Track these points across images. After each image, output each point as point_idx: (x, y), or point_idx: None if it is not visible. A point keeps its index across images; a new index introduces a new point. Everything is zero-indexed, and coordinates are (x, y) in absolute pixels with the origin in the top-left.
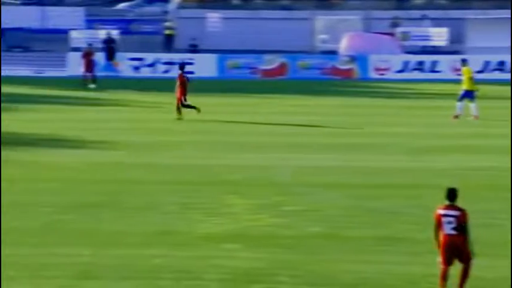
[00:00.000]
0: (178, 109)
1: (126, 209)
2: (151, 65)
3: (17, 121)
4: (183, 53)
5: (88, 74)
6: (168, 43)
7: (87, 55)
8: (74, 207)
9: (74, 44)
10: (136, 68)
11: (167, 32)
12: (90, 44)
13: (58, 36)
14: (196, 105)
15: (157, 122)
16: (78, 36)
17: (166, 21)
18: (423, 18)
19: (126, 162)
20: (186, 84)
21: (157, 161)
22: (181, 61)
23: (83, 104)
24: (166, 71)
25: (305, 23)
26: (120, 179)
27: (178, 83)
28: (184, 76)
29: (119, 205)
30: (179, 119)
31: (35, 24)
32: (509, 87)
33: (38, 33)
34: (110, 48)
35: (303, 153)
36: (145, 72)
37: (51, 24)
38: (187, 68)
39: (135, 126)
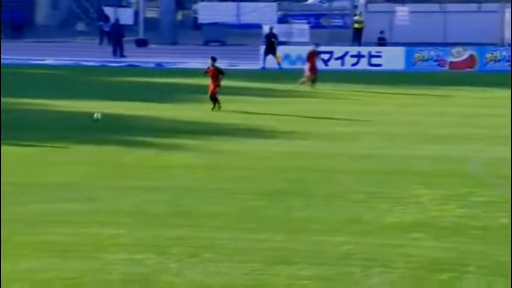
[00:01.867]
0: (214, 100)
1: (314, 197)
2: (340, 58)
3: (211, 111)
4: (371, 46)
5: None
6: (357, 36)
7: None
8: (266, 194)
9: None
10: (326, 61)
11: (356, 25)
12: (316, 44)
13: (252, 30)
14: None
15: (345, 113)
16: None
17: (355, 15)
18: None
19: (315, 152)
20: (218, 76)
21: (345, 151)
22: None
23: (276, 96)
24: (354, 64)
25: (494, 16)
26: (310, 167)
27: (210, 75)
28: (216, 68)
29: (308, 193)
30: (215, 110)
31: (231, 19)
32: None
33: (234, 28)
34: (271, 42)
35: (494, 145)
36: (335, 65)
37: (245, 20)
38: (376, 60)
39: (323, 117)
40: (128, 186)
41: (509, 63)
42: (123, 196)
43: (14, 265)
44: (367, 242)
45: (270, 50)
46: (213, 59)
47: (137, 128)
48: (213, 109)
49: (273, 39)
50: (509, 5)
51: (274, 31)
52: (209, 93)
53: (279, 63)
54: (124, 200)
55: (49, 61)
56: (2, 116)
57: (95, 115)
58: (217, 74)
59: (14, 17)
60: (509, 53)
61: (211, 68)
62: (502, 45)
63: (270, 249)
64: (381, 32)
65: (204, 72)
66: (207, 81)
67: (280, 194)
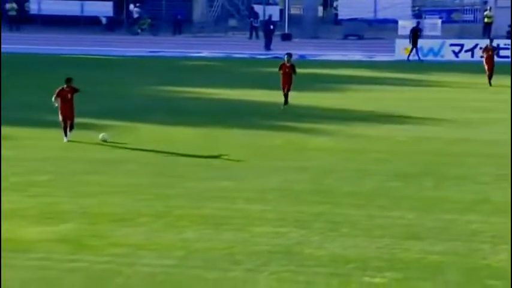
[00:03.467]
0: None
1: (445, 178)
2: (469, 50)
3: (350, 99)
4: (500, 39)
5: None
6: (487, 30)
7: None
8: (399, 175)
9: (401, 32)
10: (457, 53)
11: (486, 20)
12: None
13: (388, 25)
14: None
15: (472, 101)
16: (405, 25)
17: (485, 10)
18: None
19: (445, 136)
20: (290, 74)
21: (474, 136)
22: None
23: (408, 85)
24: (483, 56)
25: None
26: (440, 151)
27: (281, 72)
28: (289, 66)
29: (438, 174)
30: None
31: (368, 15)
32: None
33: (371, 22)
34: (415, 35)
35: None
36: (465, 57)
37: (382, 15)
38: (504, 52)
39: (453, 105)
40: (273, 166)
41: None
42: (270, 175)
43: (174, 235)
44: (495, 221)
45: (414, 42)
46: (289, 55)
47: (283, 114)
48: (284, 106)
49: (418, 33)
50: None
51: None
52: (284, 91)
53: (415, 55)
54: (270, 178)
55: (205, 53)
56: (167, 103)
57: (101, 136)
58: (291, 71)
59: (174, 14)
60: None
61: (287, 64)
62: None
63: (403, 226)
64: (509, 26)
65: (279, 69)
66: (345, 72)
67: (413, 176)
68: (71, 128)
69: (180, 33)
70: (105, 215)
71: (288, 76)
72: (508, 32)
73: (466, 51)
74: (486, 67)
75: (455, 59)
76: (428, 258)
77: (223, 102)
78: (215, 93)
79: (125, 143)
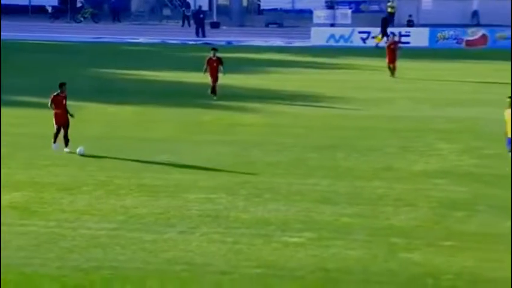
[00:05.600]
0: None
1: (355, 150)
2: (375, 37)
3: (272, 80)
4: (402, 27)
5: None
6: (390, 19)
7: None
8: (314, 148)
9: (316, 21)
10: (364, 40)
11: (389, 10)
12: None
13: (304, 14)
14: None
15: (378, 81)
16: (319, 15)
17: (388, 1)
18: None
19: (355, 113)
20: (217, 67)
21: (381, 113)
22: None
23: (322, 68)
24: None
25: (503, 2)
26: (350, 126)
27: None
28: (216, 59)
29: (349, 147)
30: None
31: (287, 5)
32: None
33: (290, 12)
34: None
35: (502, 108)
36: (371, 43)
37: (298, 6)
38: (405, 39)
39: (362, 85)
40: (204, 140)
41: None
42: (201, 148)
43: (115, 202)
44: (398, 187)
45: (384, 31)
46: (215, 50)
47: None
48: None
49: (387, 23)
50: None
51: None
52: (212, 83)
53: (377, 44)
54: (202, 151)
55: (141, 40)
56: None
57: (78, 150)
58: (218, 65)
59: (113, 4)
60: None
61: (213, 58)
62: (509, 26)
63: (318, 192)
64: (410, 16)
65: (206, 63)
66: (270, 56)
67: (327, 148)
68: (67, 140)
69: (119, 21)
70: (52, 184)
71: (214, 70)
72: (408, 21)
73: (373, 37)
74: (388, 59)
75: (363, 45)
76: (340, 220)
77: (159, 83)
78: (152, 75)
79: (70, 120)
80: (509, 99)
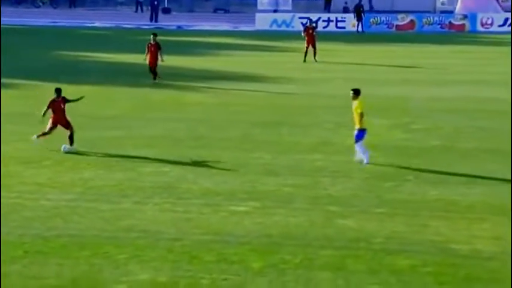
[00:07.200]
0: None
1: (296, 126)
2: (314, 22)
3: (219, 62)
4: (338, 13)
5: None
6: (327, 6)
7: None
8: (259, 124)
9: (260, 7)
10: (304, 25)
11: None
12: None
13: (250, 1)
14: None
15: (318, 64)
16: (263, 1)
17: None
18: None
19: (295, 92)
20: (156, 52)
21: (318, 91)
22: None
23: (265, 51)
24: (325, 27)
25: None
26: (291, 104)
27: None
28: (155, 44)
29: (291, 123)
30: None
31: None
32: None
33: None
34: (358, 12)
35: (428, 87)
36: None
37: None
38: (341, 24)
39: (301, 66)
40: (156, 117)
41: (440, 26)
42: (153, 125)
43: (74, 175)
44: (335, 159)
45: (358, 17)
46: (155, 35)
47: (163, 74)
48: (154, 80)
49: (361, 9)
50: None
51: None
52: (151, 68)
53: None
54: (154, 128)
55: (97, 24)
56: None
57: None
58: (157, 49)
59: None
60: (440, 18)
61: (152, 43)
62: (434, 12)
63: (262, 165)
64: (345, 3)
65: (146, 48)
66: (217, 40)
67: (271, 124)
68: (72, 139)
69: (75, 6)
70: (15, 158)
71: (153, 54)
72: (343, 8)
73: (312, 22)
74: (306, 45)
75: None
76: (282, 190)
77: (114, 65)
78: (107, 57)
79: (33, 97)
80: (352, 92)
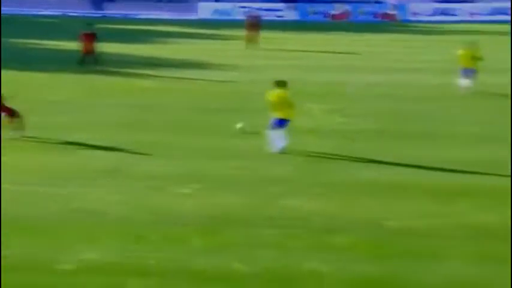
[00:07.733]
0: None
1: (237, 112)
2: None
3: (165, 50)
4: (277, 2)
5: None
6: None
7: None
8: (202, 109)
9: None
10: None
11: None
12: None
13: None
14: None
15: (258, 50)
16: None
17: None
18: None
19: (237, 79)
20: (92, 41)
21: (258, 77)
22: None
23: (208, 39)
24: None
25: None
26: (233, 90)
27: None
28: (91, 34)
29: (232, 109)
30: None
31: None
32: None
33: None
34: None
35: (366, 73)
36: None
37: None
38: (279, 13)
39: (243, 54)
40: (104, 104)
41: (373, 15)
42: (101, 111)
43: (20, 160)
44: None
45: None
46: (90, 24)
47: (111, 61)
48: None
49: None
50: None
51: None
52: (84, 52)
53: None
54: (101, 114)
55: (44, 12)
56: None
57: (238, 126)
58: (93, 39)
59: None
60: (375, 9)
61: (88, 32)
62: (369, 2)
63: (204, 149)
64: None
65: (82, 36)
66: (162, 28)
67: (214, 110)
68: (19, 125)
69: None
70: None
71: (89, 43)
72: None
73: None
74: (247, 32)
75: (244, 18)
76: (224, 172)
77: (63, 52)
78: (55, 45)
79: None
80: (274, 83)
